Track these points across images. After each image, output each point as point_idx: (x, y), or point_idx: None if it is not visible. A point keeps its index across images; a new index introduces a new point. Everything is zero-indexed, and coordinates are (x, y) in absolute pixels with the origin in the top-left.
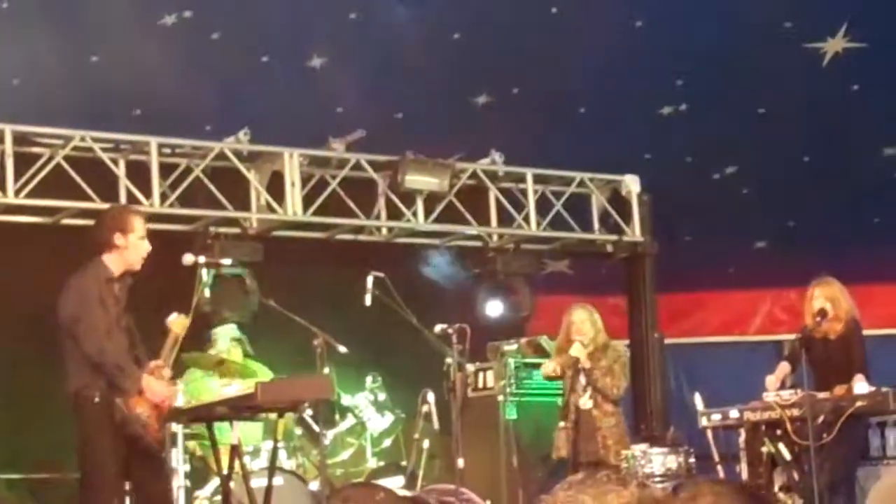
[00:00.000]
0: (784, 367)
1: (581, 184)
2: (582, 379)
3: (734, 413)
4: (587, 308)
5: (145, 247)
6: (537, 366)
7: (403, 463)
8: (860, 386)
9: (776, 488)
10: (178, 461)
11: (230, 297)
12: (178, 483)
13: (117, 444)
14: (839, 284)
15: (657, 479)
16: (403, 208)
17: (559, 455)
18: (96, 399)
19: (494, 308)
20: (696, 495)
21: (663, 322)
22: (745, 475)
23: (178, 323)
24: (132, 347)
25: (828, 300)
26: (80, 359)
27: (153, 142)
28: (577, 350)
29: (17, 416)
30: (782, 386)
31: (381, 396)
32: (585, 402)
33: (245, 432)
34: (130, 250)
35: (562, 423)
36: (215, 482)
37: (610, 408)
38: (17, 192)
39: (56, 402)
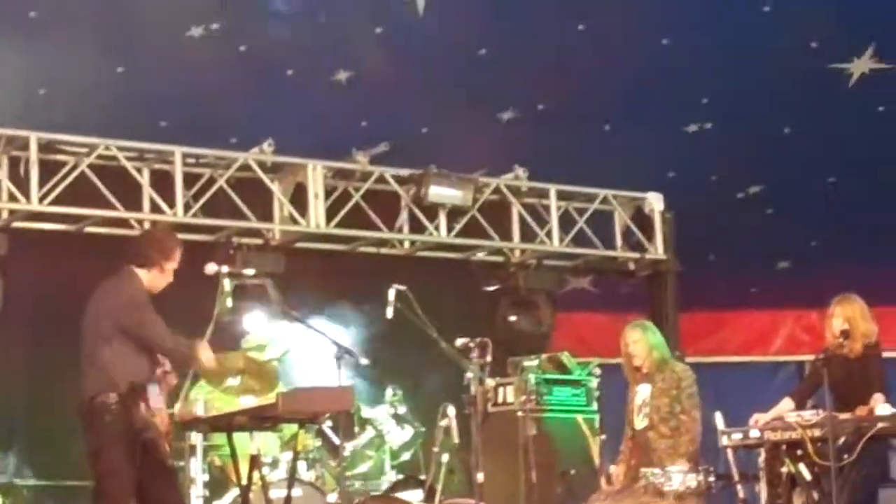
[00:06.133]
0: (786, 404)
1: (604, 201)
2: (638, 398)
3: (755, 433)
4: (641, 325)
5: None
6: (558, 382)
7: (422, 476)
8: (882, 407)
9: None
10: (197, 471)
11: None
12: (197, 493)
13: (133, 452)
14: (860, 303)
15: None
16: (426, 222)
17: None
18: (114, 405)
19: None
20: None
21: (685, 341)
22: (764, 495)
23: None
24: None
25: (847, 320)
26: (102, 364)
27: (177, 151)
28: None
29: (41, 423)
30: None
31: (402, 409)
32: (640, 421)
33: (263, 443)
34: (164, 277)
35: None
36: (234, 492)
37: (666, 430)
38: (41, 200)
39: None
